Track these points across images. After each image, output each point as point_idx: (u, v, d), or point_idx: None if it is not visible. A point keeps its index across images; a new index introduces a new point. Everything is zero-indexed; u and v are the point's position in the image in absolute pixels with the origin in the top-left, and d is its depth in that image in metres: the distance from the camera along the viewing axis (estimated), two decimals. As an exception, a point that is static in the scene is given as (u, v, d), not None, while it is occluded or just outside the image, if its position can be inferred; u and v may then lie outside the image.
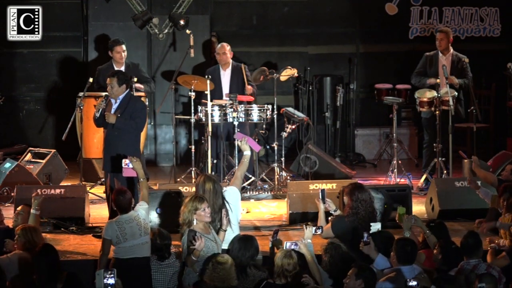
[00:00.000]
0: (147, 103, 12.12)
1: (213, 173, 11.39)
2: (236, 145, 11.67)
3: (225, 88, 12.22)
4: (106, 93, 9.82)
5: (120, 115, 9.59)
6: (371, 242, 7.86)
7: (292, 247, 7.76)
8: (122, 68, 11.97)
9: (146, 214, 8.30)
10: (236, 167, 11.55)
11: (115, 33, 13.85)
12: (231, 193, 8.38)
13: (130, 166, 8.69)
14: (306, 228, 8.17)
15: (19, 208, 8.85)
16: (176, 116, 12.95)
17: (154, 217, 9.69)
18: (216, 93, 12.12)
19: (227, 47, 12.24)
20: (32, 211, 8.75)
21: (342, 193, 9.09)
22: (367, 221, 8.46)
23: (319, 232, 8.26)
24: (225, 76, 12.26)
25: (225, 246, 8.10)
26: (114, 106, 9.68)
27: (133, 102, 9.74)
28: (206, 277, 7.36)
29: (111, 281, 6.52)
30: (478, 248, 7.61)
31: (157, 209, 9.76)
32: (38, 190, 9.89)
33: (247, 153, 8.61)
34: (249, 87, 12.03)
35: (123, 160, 8.82)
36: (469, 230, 8.16)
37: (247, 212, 10.78)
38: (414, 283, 6.67)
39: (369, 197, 8.69)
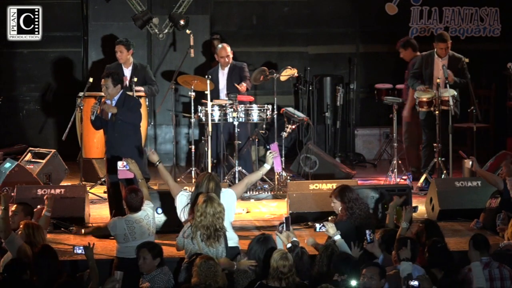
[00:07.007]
0: (147, 103, 12.14)
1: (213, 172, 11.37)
2: (236, 145, 11.69)
3: (222, 86, 12.22)
4: (99, 96, 9.83)
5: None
6: (375, 240, 7.86)
7: (322, 229, 7.93)
8: (130, 68, 12.02)
9: (153, 213, 8.33)
10: (236, 167, 11.59)
11: (115, 33, 13.86)
12: (226, 195, 8.17)
13: (127, 167, 8.69)
14: (324, 226, 8.04)
15: (13, 208, 8.79)
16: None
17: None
18: (214, 92, 12.08)
19: (228, 48, 12.23)
20: (45, 212, 8.83)
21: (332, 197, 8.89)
22: (364, 219, 8.44)
23: (324, 229, 8.17)
24: (223, 75, 12.26)
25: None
26: None
27: (128, 100, 9.76)
28: (193, 275, 7.17)
29: (79, 251, 7.53)
30: (488, 245, 7.59)
31: (157, 209, 9.75)
32: (39, 190, 9.91)
33: (267, 166, 8.46)
34: (244, 85, 11.99)
35: (119, 162, 8.81)
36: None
37: (247, 212, 10.78)
38: (415, 283, 6.65)
39: (358, 195, 8.66)
